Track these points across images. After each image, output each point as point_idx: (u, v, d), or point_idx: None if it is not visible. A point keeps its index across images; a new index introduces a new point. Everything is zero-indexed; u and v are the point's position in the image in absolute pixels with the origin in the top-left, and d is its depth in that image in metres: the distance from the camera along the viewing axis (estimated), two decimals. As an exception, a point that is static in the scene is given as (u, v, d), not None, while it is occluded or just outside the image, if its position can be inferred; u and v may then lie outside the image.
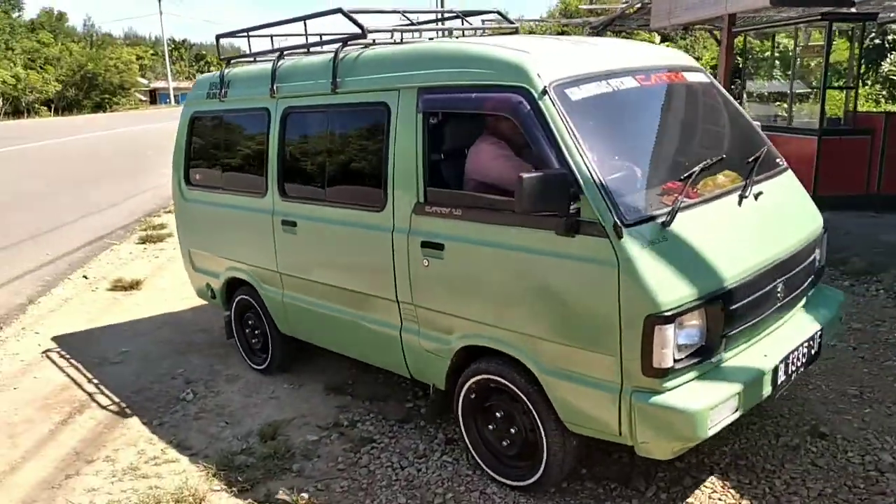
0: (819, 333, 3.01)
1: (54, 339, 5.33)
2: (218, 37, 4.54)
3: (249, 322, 4.58)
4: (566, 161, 2.57)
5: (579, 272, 2.58)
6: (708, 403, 2.47)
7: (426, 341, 3.28)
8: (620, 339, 2.49)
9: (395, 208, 3.23)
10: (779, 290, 2.84)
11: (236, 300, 4.59)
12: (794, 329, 2.97)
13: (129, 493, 3.29)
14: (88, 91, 57.50)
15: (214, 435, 3.83)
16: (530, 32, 18.05)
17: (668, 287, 2.45)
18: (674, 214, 2.54)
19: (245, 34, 4.41)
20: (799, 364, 2.88)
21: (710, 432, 2.51)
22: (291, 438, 3.72)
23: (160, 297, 6.22)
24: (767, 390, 2.71)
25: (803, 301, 3.14)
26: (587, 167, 2.55)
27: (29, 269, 7.22)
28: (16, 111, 51.87)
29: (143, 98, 76.47)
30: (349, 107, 3.55)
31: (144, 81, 79.85)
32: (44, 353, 5.06)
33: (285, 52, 4.08)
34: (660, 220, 2.53)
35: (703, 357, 2.56)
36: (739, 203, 2.85)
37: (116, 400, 4.28)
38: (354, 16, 3.49)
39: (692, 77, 3.34)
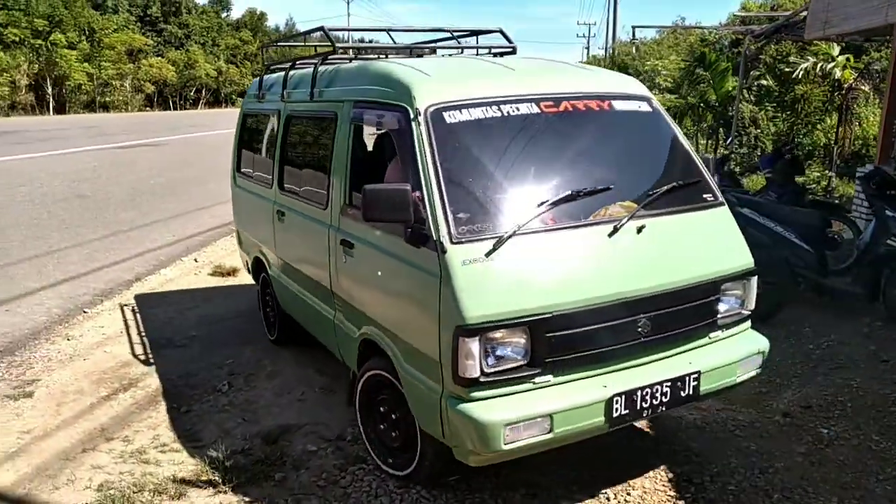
0: (694, 376, 2.91)
1: (140, 315, 5.75)
2: (260, 47, 5.20)
3: (267, 297, 5.11)
4: (418, 178, 2.81)
5: (418, 280, 2.81)
6: (504, 419, 2.57)
7: (345, 329, 3.63)
8: (440, 345, 2.67)
9: (332, 208, 3.62)
10: (639, 325, 2.83)
11: (261, 277, 5.12)
12: (663, 367, 2.92)
13: (124, 476, 3.42)
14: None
15: (228, 430, 3.90)
16: (702, 40, 17.04)
17: (478, 303, 2.59)
18: (505, 239, 2.67)
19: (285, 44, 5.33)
20: (656, 402, 2.84)
21: (508, 447, 2.59)
22: (293, 445, 3.70)
23: (249, 287, 6.49)
24: (599, 421, 2.74)
25: (699, 341, 3.06)
26: (434, 186, 2.76)
27: (150, 248, 7.88)
28: (216, 101, 57.55)
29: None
30: (317, 114, 4.01)
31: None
32: (124, 328, 5.46)
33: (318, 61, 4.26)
34: (489, 242, 2.67)
35: (523, 375, 2.67)
36: (610, 235, 2.86)
37: (160, 383, 4.50)
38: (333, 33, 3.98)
39: (623, 105, 3.36)
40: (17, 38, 36.47)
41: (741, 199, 5.68)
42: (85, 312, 5.80)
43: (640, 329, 2.83)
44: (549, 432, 2.64)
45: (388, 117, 3.16)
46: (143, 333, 5.37)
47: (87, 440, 3.79)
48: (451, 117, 2.97)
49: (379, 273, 3.12)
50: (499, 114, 3.06)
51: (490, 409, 2.60)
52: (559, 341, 2.68)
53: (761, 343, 3.23)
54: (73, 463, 3.56)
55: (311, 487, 3.31)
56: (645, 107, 3.46)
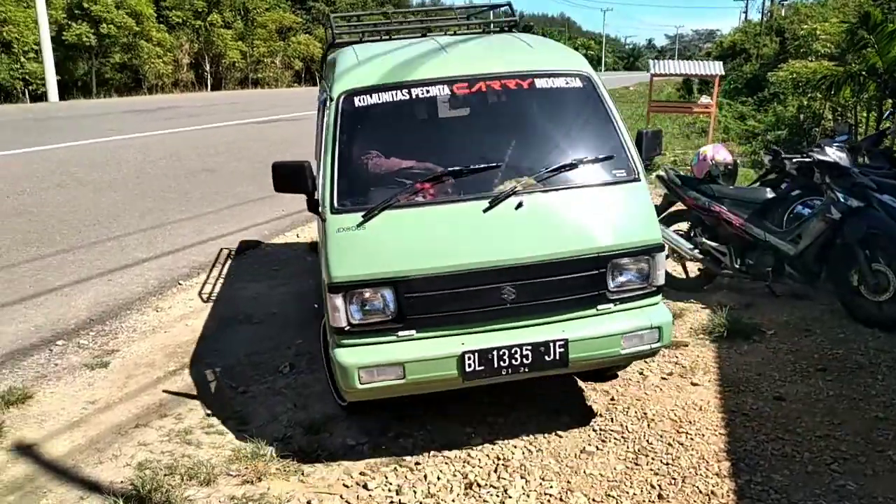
0: (560, 343, 3.10)
1: (229, 290, 5.87)
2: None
3: None
4: (320, 155, 3.33)
5: (320, 243, 3.35)
6: (359, 363, 3.04)
7: None
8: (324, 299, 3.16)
9: None
10: (503, 292, 3.08)
11: None
12: (530, 333, 3.13)
13: (164, 456, 3.44)
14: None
15: (276, 415, 3.83)
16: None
17: (342, 265, 3.05)
18: (375, 211, 3.08)
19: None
20: (516, 363, 3.08)
21: (363, 387, 3.06)
22: (333, 437, 3.57)
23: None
24: (452, 374, 3.07)
25: (583, 311, 3.21)
26: (328, 162, 3.23)
27: (257, 223, 8.10)
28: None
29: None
30: (322, 99, 4.22)
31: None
32: (211, 302, 5.59)
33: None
34: (361, 213, 3.09)
35: (387, 329, 3.09)
36: (486, 210, 3.11)
37: (226, 360, 4.53)
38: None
39: (547, 83, 3.50)
40: (180, 20, 39.26)
41: (883, 183, 4.84)
42: (180, 285, 6.01)
43: (504, 296, 3.10)
44: (402, 378, 3.07)
45: (326, 101, 3.63)
46: (224, 310, 5.46)
47: (142, 415, 3.86)
48: (360, 101, 3.39)
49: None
50: (407, 97, 3.42)
51: (350, 355, 3.09)
52: (420, 301, 3.07)
53: (656, 318, 3.27)
54: (123, 438, 3.62)
55: (336, 487, 3.16)
56: (575, 83, 3.56)
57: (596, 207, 3.28)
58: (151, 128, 16.73)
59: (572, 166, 3.29)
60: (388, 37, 4.56)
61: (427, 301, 3.09)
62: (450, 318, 3.12)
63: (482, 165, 3.26)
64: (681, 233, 5.60)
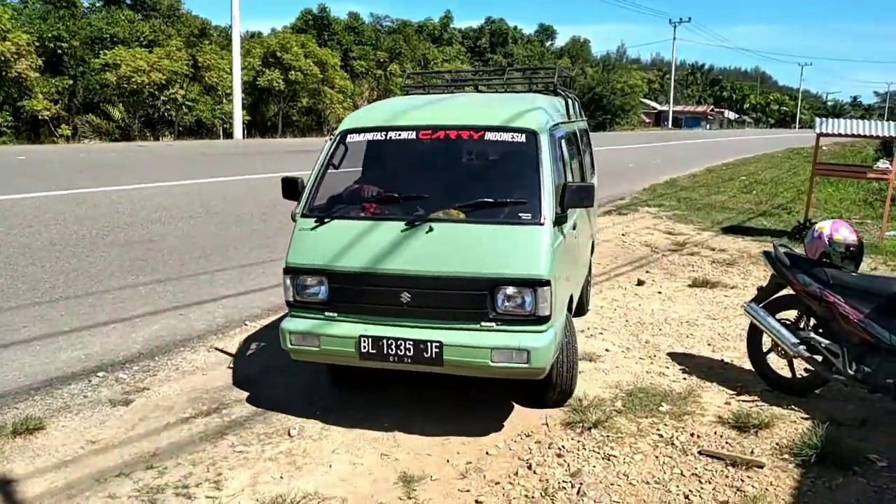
0: (436, 344, 3.76)
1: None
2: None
3: None
4: (312, 174, 4.33)
5: None
6: (290, 328, 4.02)
7: None
8: None
9: None
10: (403, 296, 3.82)
11: None
12: (416, 331, 3.83)
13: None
14: (593, 111, 62.44)
15: (256, 483, 3.55)
16: None
17: (295, 254, 4.03)
18: (321, 220, 4.08)
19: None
20: (401, 354, 3.81)
21: (292, 347, 4.06)
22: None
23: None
24: (351, 351, 3.90)
25: (468, 323, 3.80)
26: (312, 179, 4.27)
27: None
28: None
29: (647, 120, 79.83)
30: None
31: (651, 104, 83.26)
32: (261, 347, 5.46)
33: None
34: (315, 218, 4.10)
35: (318, 308, 4.01)
36: (404, 230, 3.90)
37: (243, 413, 4.32)
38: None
39: (495, 136, 4.24)
40: (363, 69, 42.02)
41: None
42: (245, 325, 5.97)
43: (401, 298, 3.82)
44: (317, 347, 3.98)
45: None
46: (273, 356, 5.29)
47: (131, 462, 3.72)
48: (351, 138, 4.46)
49: None
50: (383, 138, 4.42)
51: (288, 322, 4.06)
52: (341, 291, 3.94)
53: (527, 342, 3.71)
54: (98, 487, 3.49)
55: None
56: (519, 137, 4.20)
57: (494, 241, 3.89)
58: (307, 167, 17.65)
59: (486, 204, 3.98)
60: (426, 90, 5.68)
61: (346, 292, 3.96)
62: (361, 309, 3.96)
63: (412, 195, 4.16)
64: (787, 323, 4.64)
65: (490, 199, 4.00)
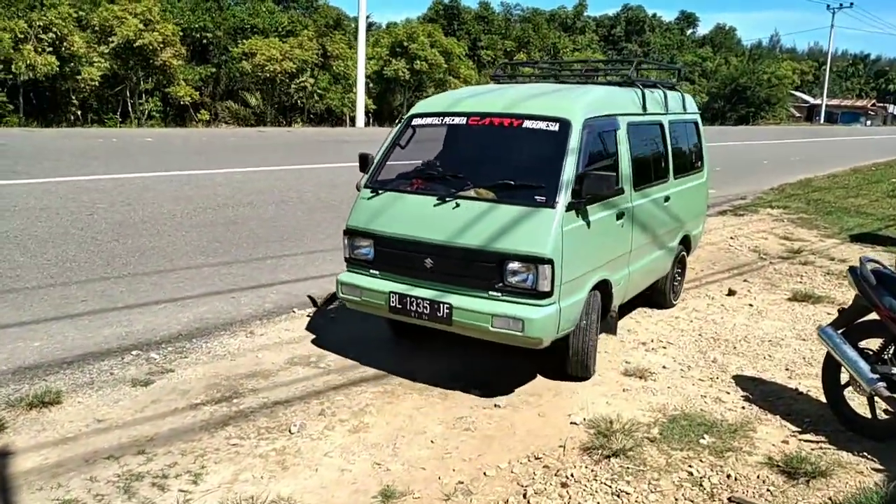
0: (447, 306, 4.26)
1: (336, 324, 5.62)
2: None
3: None
4: (378, 152, 5.02)
5: None
6: (342, 280, 4.78)
7: None
8: None
9: None
10: (427, 261, 4.39)
11: None
12: (435, 292, 4.35)
13: (90, 501, 3.20)
14: (735, 103, 58.65)
15: (234, 481, 3.40)
16: None
17: (353, 219, 4.78)
18: (376, 191, 4.79)
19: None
20: (420, 310, 4.37)
21: (342, 296, 4.82)
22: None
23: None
24: (382, 304, 4.55)
25: (478, 291, 4.26)
26: (378, 157, 4.97)
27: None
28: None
29: (798, 114, 73.93)
30: None
31: (804, 97, 76.99)
32: (304, 335, 5.37)
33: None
34: (370, 191, 4.81)
35: (366, 266, 4.72)
36: (436, 205, 4.47)
37: (251, 405, 4.23)
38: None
39: (532, 125, 4.60)
40: (490, 58, 41.73)
41: None
42: (293, 312, 5.91)
43: (426, 264, 4.38)
44: (359, 298, 4.66)
45: None
46: (313, 344, 5.20)
47: (126, 445, 3.72)
48: (416, 121, 5.05)
49: None
50: (439, 122, 4.99)
51: (343, 275, 4.78)
52: (382, 253, 4.60)
53: (524, 313, 4.09)
54: (84, 468, 3.49)
55: None
56: (553, 126, 4.50)
57: (508, 219, 4.24)
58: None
59: (508, 186, 4.39)
60: (513, 80, 6.39)
61: (385, 254, 4.60)
62: (395, 269, 4.56)
63: (450, 173, 4.72)
64: (868, 353, 3.90)
65: (511, 182, 4.40)
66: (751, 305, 6.71)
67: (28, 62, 22.35)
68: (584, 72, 6.71)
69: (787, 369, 5.04)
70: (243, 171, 13.32)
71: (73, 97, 25.92)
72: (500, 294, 4.19)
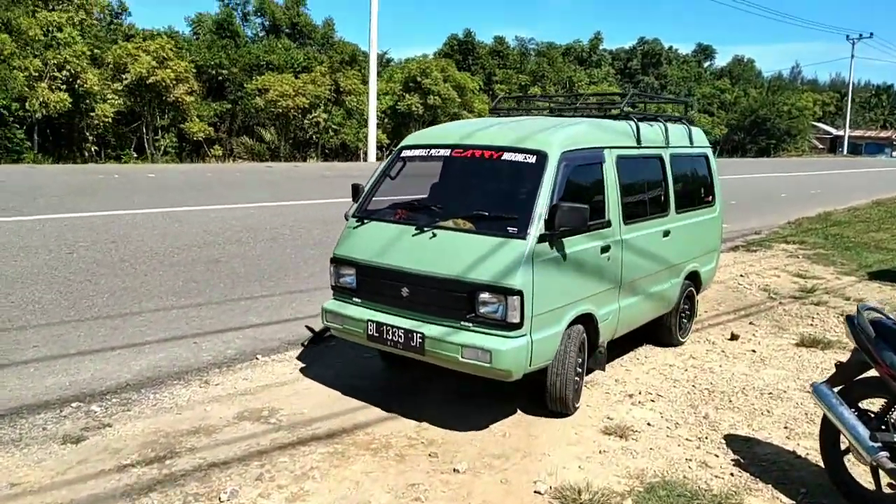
0: (419, 335, 4.28)
1: (290, 375, 5.25)
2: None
3: None
4: (368, 183, 5.12)
5: None
6: (326, 307, 4.85)
7: None
8: None
9: None
10: (403, 290, 4.43)
11: None
12: (410, 322, 4.38)
13: None
14: (756, 135, 58.08)
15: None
16: None
17: (339, 248, 4.88)
18: (362, 220, 4.89)
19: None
20: (396, 339, 4.40)
21: (327, 323, 4.87)
22: None
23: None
24: (361, 333, 4.60)
25: (450, 321, 4.27)
26: (367, 186, 5.07)
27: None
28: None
29: (820, 146, 73.01)
30: None
31: (826, 128, 76.11)
32: (258, 387, 5.00)
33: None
34: (356, 220, 4.91)
35: (349, 294, 4.79)
36: (414, 234, 4.52)
37: (183, 468, 3.85)
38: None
39: (510, 157, 4.61)
40: (505, 93, 41.69)
41: None
42: (256, 359, 5.56)
43: (402, 293, 4.45)
44: (341, 326, 4.77)
45: None
46: (269, 395, 4.82)
47: None
48: (405, 153, 5.17)
49: None
50: (426, 154, 5.05)
51: (328, 303, 4.89)
52: (363, 281, 4.71)
53: (491, 344, 4.08)
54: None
55: None
56: (530, 158, 4.53)
57: (480, 250, 4.25)
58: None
59: (483, 217, 4.44)
60: (508, 113, 6.45)
61: (365, 282, 4.68)
62: (374, 297, 4.62)
63: (431, 204, 4.91)
64: (870, 415, 3.44)
65: (485, 213, 4.46)
66: (753, 351, 6.23)
67: (42, 100, 22.61)
68: (579, 105, 6.61)
69: (785, 427, 4.55)
70: (240, 206, 13.12)
71: (88, 133, 26.19)
72: (471, 325, 4.19)
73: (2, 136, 23.79)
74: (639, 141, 5.51)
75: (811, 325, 7.19)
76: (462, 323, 4.21)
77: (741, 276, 9.69)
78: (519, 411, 4.76)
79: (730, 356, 6.08)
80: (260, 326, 6.31)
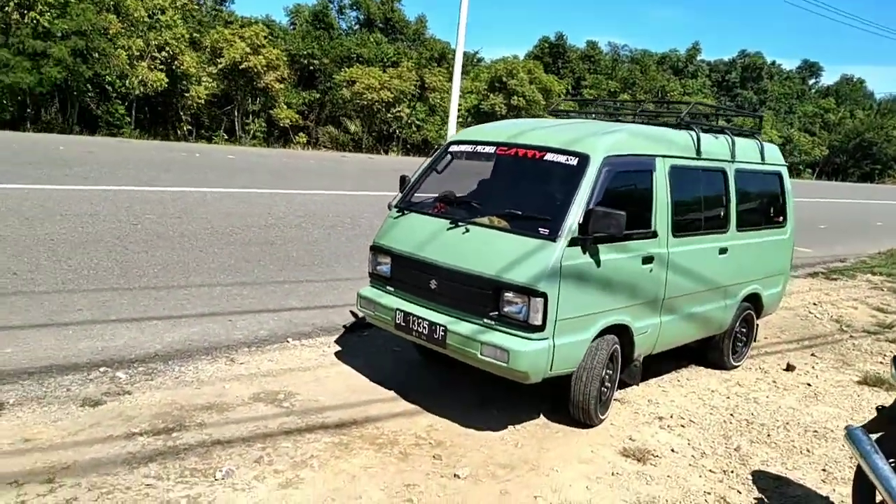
0: (442, 328, 4.28)
1: (330, 360, 5.26)
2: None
3: None
4: (413, 175, 5.19)
5: None
6: (361, 293, 4.95)
7: None
8: None
9: None
10: (432, 282, 4.42)
11: None
12: (436, 314, 4.39)
13: None
14: (860, 159, 54.87)
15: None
16: None
17: (379, 235, 4.96)
18: (403, 211, 4.95)
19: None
20: (421, 330, 4.41)
21: (360, 310, 5.01)
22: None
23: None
24: (391, 321, 4.64)
25: (473, 318, 4.22)
26: (413, 178, 5.15)
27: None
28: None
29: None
30: None
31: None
32: (279, 370, 5.03)
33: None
34: (397, 210, 4.98)
35: (383, 283, 4.87)
36: (448, 228, 4.50)
37: (197, 437, 3.89)
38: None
39: (552, 157, 4.50)
40: (593, 98, 40.90)
41: None
42: (286, 342, 5.59)
43: (431, 285, 4.44)
44: (373, 312, 4.83)
45: None
46: (290, 379, 4.83)
47: (38, 472, 3.46)
48: (453, 147, 5.19)
49: None
50: (472, 150, 5.03)
51: (363, 289, 4.97)
52: (396, 271, 4.76)
53: (510, 344, 4.02)
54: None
55: None
56: (572, 161, 4.41)
57: (510, 249, 4.18)
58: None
59: (518, 216, 4.35)
60: (567, 115, 6.28)
61: (398, 271, 4.73)
62: (405, 287, 4.66)
63: (471, 201, 4.80)
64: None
65: (519, 212, 4.36)
66: (808, 385, 5.80)
67: (141, 78, 23.77)
68: (639, 112, 6.31)
69: (823, 470, 4.19)
70: (308, 192, 13.36)
71: (182, 113, 27.36)
72: (493, 323, 4.13)
73: (105, 111, 25.24)
74: (699, 153, 5.24)
75: (881, 362, 6.64)
76: (485, 320, 4.16)
77: (814, 304, 9.09)
78: (542, 417, 4.60)
79: (780, 387, 5.68)
80: (298, 311, 6.35)
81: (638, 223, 4.57)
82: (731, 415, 4.97)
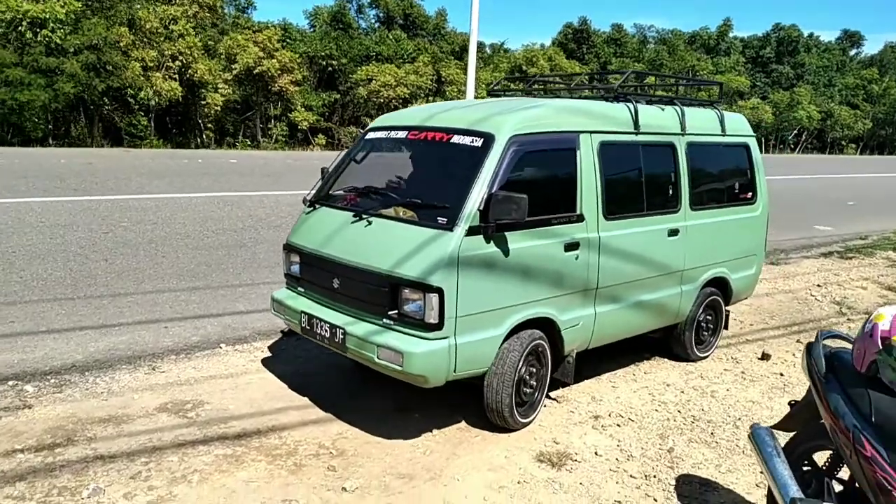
0: (342, 331, 3.98)
1: (259, 365, 5.03)
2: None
3: None
4: (330, 167, 4.93)
5: None
6: (273, 295, 4.69)
7: None
8: None
9: None
10: (335, 281, 4.14)
11: None
12: (338, 315, 4.12)
13: None
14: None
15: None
16: None
17: (291, 234, 4.66)
18: (314, 205, 4.63)
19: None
20: (323, 333, 4.13)
21: (273, 312, 4.73)
22: None
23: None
24: (297, 324, 4.37)
25: (373, 318, 3.94)
26: (329, 171, 4.86)
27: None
28: (822, 146, 51.99)
29: None
30: None
31: None
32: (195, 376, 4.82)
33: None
34: (309, 205, 4.66)
35: (293, 283, 4.61)
36: (352, 221, 4.20)
37: (78, 454, 3.70)
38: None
39: (458, 139, 4.15)
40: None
41: None
42: (219, 348, 5.38)
43: (334, 284, 4.16)
44: (283, 315, 4.56)
45: None
46: (204, 388, 4.62)
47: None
48: (370, 134, 4.86)
49: None
50: (385, 135, 4.76)
51: (276, 292, 4.73)
52: (303, 269, 4.50)
53: (406, 346, 3.70)
54: None
55: None
56: (476, 142, 4.07)
57: (408, 241, 3.88)
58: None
59: (419, 205, 4.04)
60: (506, 94, 5.63)
61: (305, 270, 4.47)
62: (312, 287, 4.41)
63: (379, 191, 4.48)
64: (819, 470, 2.70)
65: (420, 200, 4.08)
66: (781, 375, 5.35)
67: (155, 88, 24.06)
68: (573, 86, 5.91)
69: (761, 472, 3.77)
70: (299, 193, 13.18)
71: (201, 121, 27.65)
72: (392, 323, 3.84)
73: (127, 123, 25.66)
74: (637, 126, 4.81)
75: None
76: (384, 320, 3.86)
77: (818, 285, 8.52)
78: (464, 422, 4.28)
79: (748, 379, 5.24)
80: (242, 314, 6.15)
81: (559, 206, 4.22)
82: (679, 411, 4.57)
